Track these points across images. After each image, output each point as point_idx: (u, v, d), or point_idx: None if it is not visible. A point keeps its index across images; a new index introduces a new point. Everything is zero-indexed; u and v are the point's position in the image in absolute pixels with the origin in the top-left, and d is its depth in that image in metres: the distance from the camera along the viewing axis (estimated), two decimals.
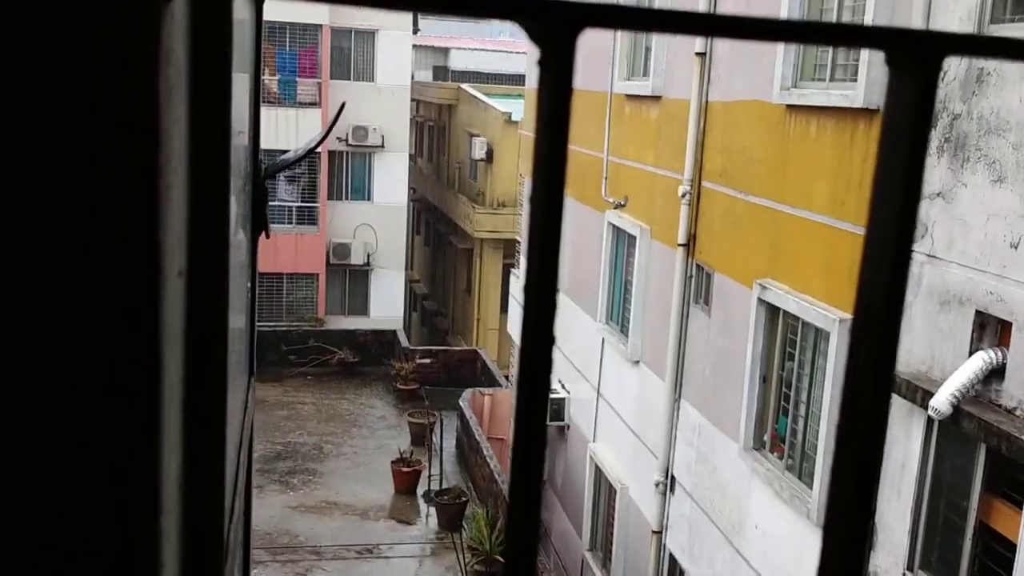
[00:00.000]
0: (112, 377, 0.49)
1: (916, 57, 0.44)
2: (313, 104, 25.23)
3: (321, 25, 25.25)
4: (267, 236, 2.08)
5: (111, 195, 0.47)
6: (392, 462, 18.03)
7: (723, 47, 10.04)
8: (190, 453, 0.64)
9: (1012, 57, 0.47)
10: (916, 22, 6.81)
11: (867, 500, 0.51)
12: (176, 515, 0.61)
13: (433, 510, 17.00)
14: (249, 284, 1.89)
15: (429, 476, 17.71)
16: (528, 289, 0.43)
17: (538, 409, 0.45)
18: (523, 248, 17.65)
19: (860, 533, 0.48)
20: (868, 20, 7.37)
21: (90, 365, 0.49)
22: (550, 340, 0.44)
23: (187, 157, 0.60)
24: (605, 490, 13.19)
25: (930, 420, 6.53)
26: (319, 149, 25.29)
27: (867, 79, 7.37)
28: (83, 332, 0.48)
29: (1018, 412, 5.89)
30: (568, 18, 0.40)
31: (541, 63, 0.40)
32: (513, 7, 0.39)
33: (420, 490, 17.86)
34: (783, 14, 8.59)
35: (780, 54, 8.65)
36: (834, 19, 8.16)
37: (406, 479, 17.78)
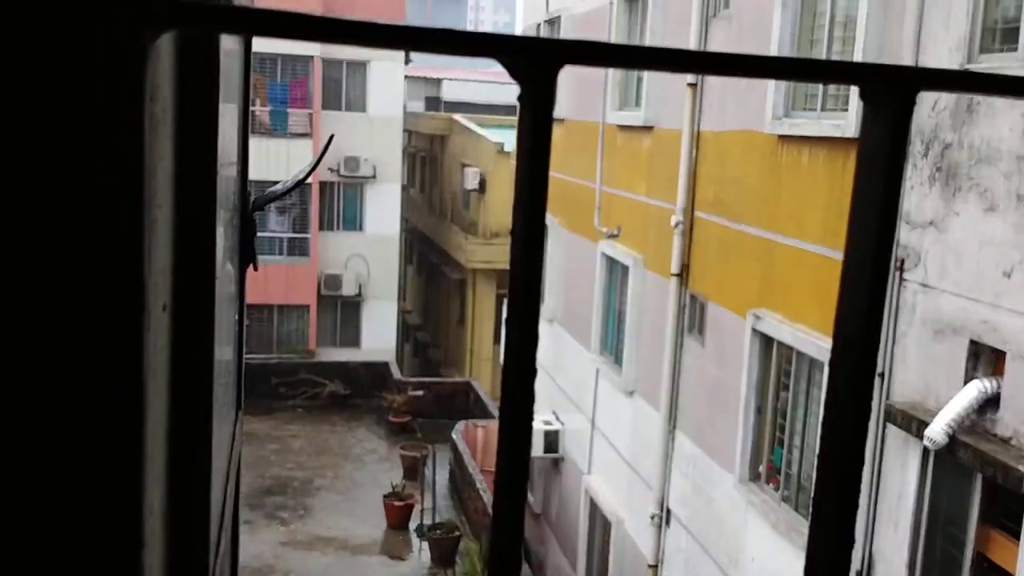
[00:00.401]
0: (94, 410, 0.47)
1: (890, 92, 0.45)
2: (304, 135, 25.31)
3: (312, 56, 25.39)
4: (255, 268, 2.05)
5: (94, 231, 0.45)
6: (384, 496, 17.88)
7: (715, 78, 10.11)
8: (175, 487, 0.61)
9: (984, 92, 0.49)
10: (906, 52, 6.86)
11: (850, 523, 0.50)
12: (160, 549, 0.58)
13: (426, 545, 16.83)
14: (237, 317, 1.86)
15: (422, 510, 17.56)
16: (510, 321, 0.42)
17: (522, 436, 0.44)
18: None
19: (844, 558, 0.46)
20: (858, 49, 7.43)
21: (71, 396, 0.47)
22: (531, 371, 0.45)
23: (173, 190, 0.58)
24: (600, 523, 13.09)
25: (926, 450, 6.50)
26: (310, 180, 25.33)
27: (858, 109, 7.41)
28: (64, 365, 0.47)
29: (1013, 442, 5.86)
30: (547, 56, 0.39)
31: (521, 99, 0.40)
32: (493, 46, 0.39)
33: (412, 524, 17.70)
34: (773, 43, 8.66)
35: (771, 84, 8.70)
36: (824, 49, 8.23)
37: (398, 513, 17.62)
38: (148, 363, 0.48)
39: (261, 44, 24.40)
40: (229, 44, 1.50)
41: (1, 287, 0.45)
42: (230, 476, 1.48)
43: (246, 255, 1.90)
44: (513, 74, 0.41)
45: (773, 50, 8.67)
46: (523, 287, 0.43)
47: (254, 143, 27.94)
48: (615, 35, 12.66)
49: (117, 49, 0.41)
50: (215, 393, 0.87)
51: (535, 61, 0.40)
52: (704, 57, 0.44)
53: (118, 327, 0.46)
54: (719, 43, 10.03)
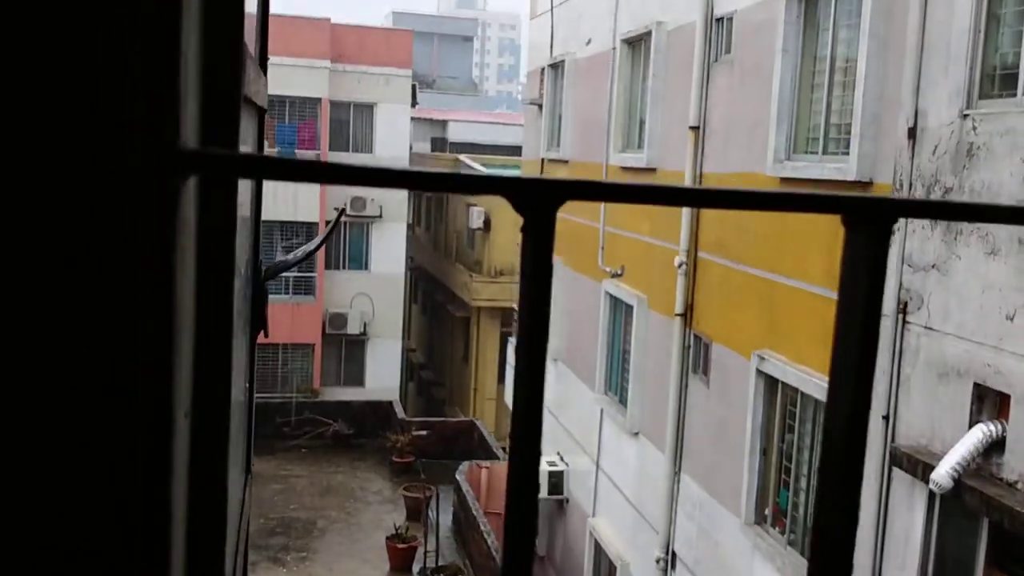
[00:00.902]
0: (126, 527, 0.50)
1: (869, 220, 0.48)
2: None
3: (320, 99, 25.65)
4: (266, 335, 2.08)
5: (125, 353, 0.48)
6: (387, 538, 17.75)
7: (717, 120, 10.20)
8: (192, 554, 0.64)
9: (961, 218, 0.52)
10: (905, 98, 6.93)
11: (848, 555, 0.53)
12: None
13: None
14: (247, 384, 1.89)
15: (425, 552, 17.42)
16: (513, 448, 0.45)
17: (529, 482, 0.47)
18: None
19: None
20: (858, 95, 7.50)
21: (103, 518, 0.50)
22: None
23: (194, 305, 0.62)
24: (605, 566, 12.97)
25: (931, 494, 6.47)
26: (316, 219, 25.47)
27: (859, 152, 7.47)
28: (95, 483, 0.49)
29: (1019, 486, 5.83)
30: (547, 194, 0.43)
31: (524, 230, 0.44)
32: (500, 184, 0.43)
33: (416, 567, 17.55)
34: (775, 88, 8.75)
35: (773, 127, 8.79)
36: (824, 94, 8.31)
37: (401, 556, 17.49)
38: (177, 478, 0.51)
39: (272, 85, 24.60)
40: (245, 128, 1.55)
41: (33, 411, 0.48)
42: (239, 547, 1.49)
43: (257, 323, 1.93)
44: (517, 209, 0.45)
45: (774, 94, 8.76)
46: (525, 399, 0.45)
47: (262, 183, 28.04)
48: (617, 79, 12.80)
49: (148, 193, 0.45)
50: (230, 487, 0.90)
51: (536, 198, 0.44)
52: (696, 193, 0.47)
53: (146, 438, 0.49)
54: (721, 88, 10.13)
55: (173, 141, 0.45)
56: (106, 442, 0.48)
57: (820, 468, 0.56)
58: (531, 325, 0.45)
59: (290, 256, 2.50)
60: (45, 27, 0.44)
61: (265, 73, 2.17)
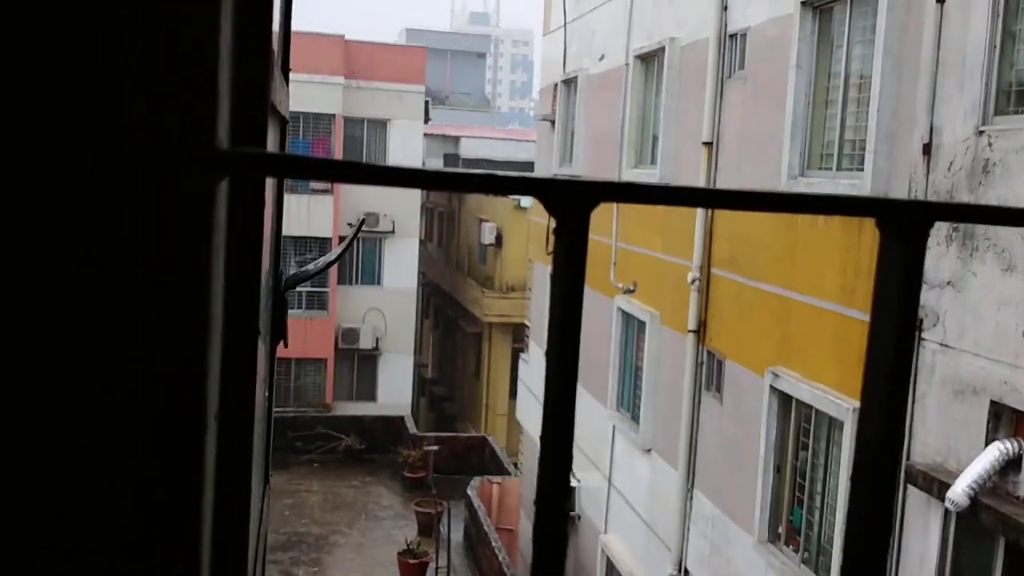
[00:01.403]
0: (158, 515, 0.50)
1: (904, 224, 0.47)
2: (325, 192, 25.59)
3: (334, 115, 25.78)
4: (285, 345, 2.09)
5: (163, 350, 0.48)
6: (399, 553, 17.70)
7: (731, 136, 10.20)
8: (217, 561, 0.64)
9: (998, 223, 0.51)
10: (920, 114, 6.92)
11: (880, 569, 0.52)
12: None
13: None
14: (267, 393, 1.89)
15: (436, 568, 17.36)
16: (543, 457, 0.44)
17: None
18: (530, 335, 17.35)
19: None
20: (872, 111, 7.49)
21: (135, 514, 0.50)
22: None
23: (222, 308, 0.62)
24: None
25: (947, 512, 6.42)
26: (329, 234, 25.55)
27: (874, 168, 7.45)
28: (126, 485, 0.50)
29: None
30: (581, 194, 0.43)
31: (557, 232, 0.44)
32: (534, 186, 0.43)
33: None
34: (788, 104, 8.74)
35: (787, 142, 8.78)
36: (839, 110, 8.30)
37: (413, 571, 17.43)
38: (210, 476, 0.51)
39: None
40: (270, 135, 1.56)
41: (69, 414, 0.49)
42: (259, 553, 1.49)
43: (277, 333, 1.94)
44: (550, 210, 0.45)
45: (788, 110, 8.76)
46: (556, 404, 0.45)
47: None
48: (631, 95, 12.82)
49: (187, 193, 0.46)
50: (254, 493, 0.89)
51: (570, 199, 0.44)
52: (727, 195, 0.47)
53: (180, 436, 0.49)
54: (734, 103, 10.14)
55: (210, 141, 0.45)
56: (140, 445, 0.48)
57: (852, 480, 0.56)
58: (564, 329, 0.45)
59: (310, 266, 2.51)
60: (79, 28, 0.45)
61: (287, 84, 2.19)
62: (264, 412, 1.82)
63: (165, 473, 0.49)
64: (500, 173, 0.44)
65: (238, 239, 0.62)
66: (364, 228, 26.43)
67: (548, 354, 0.46)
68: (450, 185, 0.42)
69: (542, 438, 0.46)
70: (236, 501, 0.71)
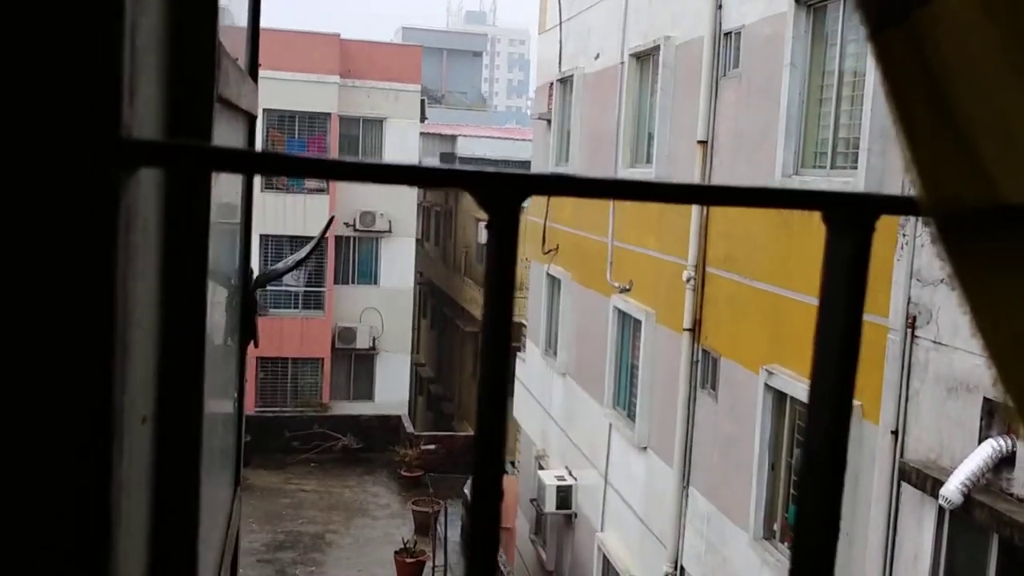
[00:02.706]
0: (63, 533, 0.49)
1: (851, 217, 0.47)
2: (320, 191, 25.57)
3: (330, 114, 25.77)
4: (255, 345, 2.08)
5: (61, 351, 0.47)
6: (395, 552, 17.71)
7: (724, 135, 10.20)
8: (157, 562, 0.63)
9: None
10: None
11: (831, 552, 0.52)
12: None
13: None
14: (237, 394, 1.88)
15: (433, 567, 17.36)
16: (479, 423, 0.44)
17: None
18: (529, 329, 17.38)
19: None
20: (867, 109, 7.49)
21: (40, 524, 0.49)
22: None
23: (158, 303, 0.61)
24: None
25: (941, 510, 6.42)
26: (326, 235, 25.54)
27: (868, 166, 7.46)
28: (33, 487, 0.48)
29: None
30: (510, 188, 0.43)
31: (488, 226, 0.44)
32: (462, 179, 0.42)
33: None
34: (783, 102, 8.75)
35: (781, 141, 8.78)
36: (833, 107, 8.30)
37: (410, 570, 17.43)
38: (118, 483, 0.50)
39: (280, 100, 24.83)
40: (231, 140, 1.55)
41: None
42: (226, 555, 1.48)
43: (246, 333, 1.94)
44: (481, 203, 0.45)
45: (782, 108, 8.76)
46: (487, 398, 0.45)
47: (272, 199, 27.95)
48: (626, 93, 12.82)
49: (89, 180, 0.44)
50: (207, 480, 0.88)
51: (500, 193, 0.43)
52: (671, 188, 0.47)
53: (87, 446, 0.48)
54: (729, 102, 10.14)
55: (113, 130, 0.44)
56: (41, 443, 0.47)
57: (800, 472, 0.55)
58: (494, 325, 0.45)
59: (280, 265, 2.50)
60: None
61: (255, 82, 2.17)
62: (233, 415, 1.81)
63: (66, 479, 0.48)
64: (425, 165, 0.43)
65: (179, 235, 0.61)
66: (361, 228, 26.42)
67: (481, 350, 0.46)
68: (372, 177, 0.41)
69: (476, 430, 0.46)
70: (181, 503, 0.70)
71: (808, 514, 0.53)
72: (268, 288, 24.88)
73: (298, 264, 2.63)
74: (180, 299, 0.64)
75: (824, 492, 0.52)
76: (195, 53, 0.71)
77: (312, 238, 25.44)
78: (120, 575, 0.53)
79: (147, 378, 0.58)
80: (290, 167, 0.40)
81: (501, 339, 0.45)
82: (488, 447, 0.45)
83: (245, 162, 0.40)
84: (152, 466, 0.61)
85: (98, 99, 0.43)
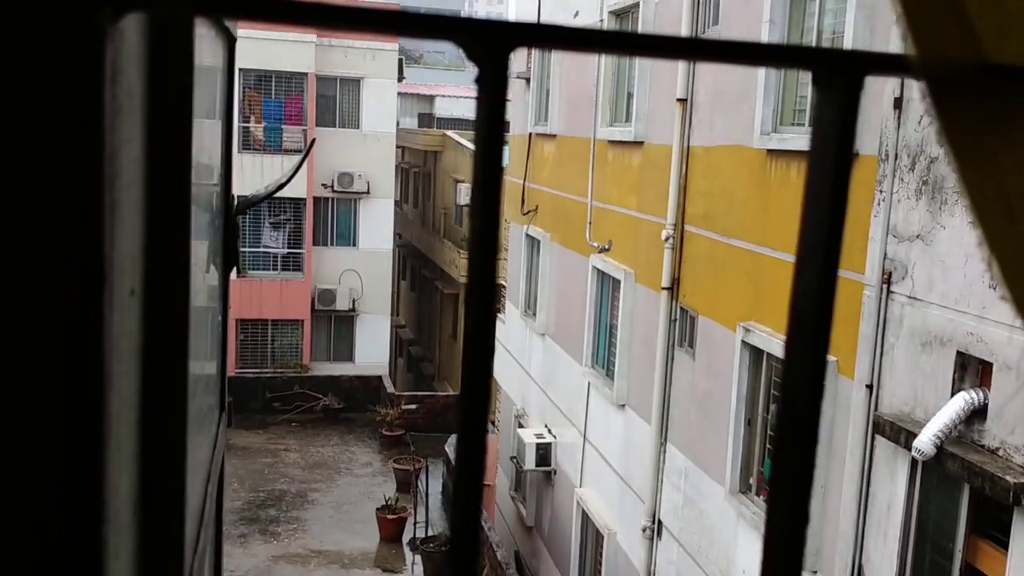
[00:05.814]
0: (53, 387, 0.49)
1: (839, 75, 0.47)
2: (299, 151, 25.35)
3: (307, 73, 25.48)
4: (239, 272, 2.08)
5: (51, 206, 0.47)
6: (377, 509, 17.85)
7: (704, 93, 10.18)
8: (147, 472, 0.64)
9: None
10: (895, 46, 6.92)
11: (804, 504, 0.52)
12: (128, 533, 0.61)
13: (419, 558, 16.80)
14: (221, 318, 1.89)
15: (415, 523, 17.52)
16: (468, 300, 0.44)
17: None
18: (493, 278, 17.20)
19: (799, 535, 0.49)
20: (848, 38, 7.46)
21: (31, 374, 0.49)
22: (490, 350, 0.46)
23: (144, 175, 0.61)
24: (592, 536, 13.07)
25: (914, 461, 6.53)
26: (304, 196, 25.36)
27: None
28: (24, 342, 0.49)
29: (1000, 452, 5.90)
30: (500, 38, 0.42)
31: (478, 80, 0.43)
32: (450, 28, 0.42)
33: (406, 538, 17.66)
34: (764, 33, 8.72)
35: (760, 99, 8.78)
36: (814, 39, 8.29)
37: (391, 527, 17.59)
38: (112, 344, 0.51)
39: (257, 60, 24.48)
40: (210, 60, 1.53)
41: None
42: (212, 475, 1.50)
43: (230, 258, 1.93)
44: (470, 55, 0.44)
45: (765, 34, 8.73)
46: (480, 261, 0.45)
47: (249, 160, 27.70)
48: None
49: (73, 29, 0.44)
50: (193, 386, 0.89)
51: (489, 43, 0.43)
52: (650, 40, 0.46)
53: (78, 306, 0.48)
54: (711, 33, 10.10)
55: None
56: (32, 305, 0.48)
57: (775, 427, 0.55)
58: (486, 189, 0.45)
59: (261, 189, 2.50)
60: None
61: None
62: (219, 328, 1.81)
63: (58, 346, 0.48)
64: (411, 11, 0.43)
65: (163, 100, 0.61)
66: (339, 189, 26.24)
67: (471, 220, 0.46)
68: (350, 24, 0.41)
69: (465, 326, 0.46)
70: (168, 380, 0.70)
71: (783, 468, 0.53)
72: (247, 250, 24.73)
73: (279, 187, 2.63)
74: (166, 166, 0.64)
75: (799, 446, 0.52)
76: None
77: (291, 199, 25.24)
78: (112, 436, 0.54)
79: (134, 250, 0.58)
80: (272, 9, 0.40)
81: (490, 202, 0.45)
82: (478, 345, 0.45)
83: (227, 3, 0.40)
84: (143, 341, 0.61)
85: None
